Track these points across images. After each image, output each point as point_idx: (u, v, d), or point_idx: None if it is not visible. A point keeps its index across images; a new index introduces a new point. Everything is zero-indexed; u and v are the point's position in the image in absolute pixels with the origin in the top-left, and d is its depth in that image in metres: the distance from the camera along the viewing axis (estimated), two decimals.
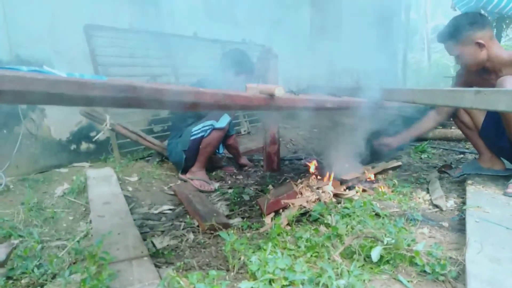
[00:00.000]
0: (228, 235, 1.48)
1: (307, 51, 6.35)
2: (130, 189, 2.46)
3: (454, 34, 2.01)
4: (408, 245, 1.42)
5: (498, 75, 1.97)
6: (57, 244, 1.76)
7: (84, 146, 2.97)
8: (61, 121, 2.83)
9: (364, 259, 1.37)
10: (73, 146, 2.91)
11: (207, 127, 2.65)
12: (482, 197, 1.83)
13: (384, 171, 2.76)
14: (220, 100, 1.09)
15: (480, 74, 2.09)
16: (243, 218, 2.05)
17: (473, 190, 1.97)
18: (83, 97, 0.79)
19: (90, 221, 1.91)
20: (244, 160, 3.19)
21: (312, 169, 2.48)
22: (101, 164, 2.86)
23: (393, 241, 1.33)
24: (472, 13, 2.09)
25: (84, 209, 2.12)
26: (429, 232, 1.66)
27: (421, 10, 16.12)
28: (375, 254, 1.28)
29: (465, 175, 2.36)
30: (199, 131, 2.65)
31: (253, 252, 1.49)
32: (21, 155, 2.60)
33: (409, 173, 2.80)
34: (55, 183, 2.44)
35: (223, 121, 2.66)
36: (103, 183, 2.34)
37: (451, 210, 1.95)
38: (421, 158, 3.27)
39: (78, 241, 1.76)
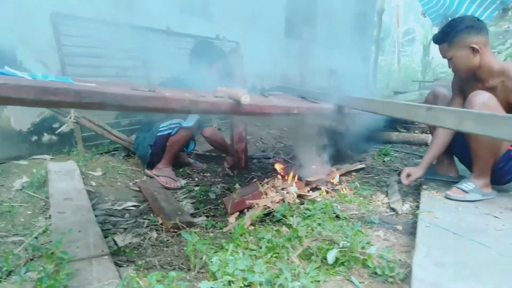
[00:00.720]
0: (191, 235, 1.50)
1: (281, 49, 6.41)
2: (94, 184, 2.42)
3: (450, 36, 2.00)
4: (363, 248, 1.49)
5: (484, 85, 2.01)
6: (14, 240, 1.72)
7: (46, 138, 2.87)
8: (22, 112, 2.73)
9: (321, 260, 1.43)
10: (34, 138, 2.81)
11: (174, 125, 2.62)
12: (435, 203, 1.95)
13: (348, 173, 2.85)
14: (186, 106, 1.10)
15: (471, 81, 2.11)
16: (207, 217, 2.07)
17: (427, 195, 2.08)
18: (46, 102, 0.78)
19: (50, 217, 1.87)
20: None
21: (278, 169, 2.53)
22: (64, 157, 2.78)
23: (348, 244, 1.39)
24: (470, 17, 2.06)
25: (43, 203, 2.07)
26: (384, 235, 1.75)
27: (393, 14, 16.57)
28: (330, 257, 1.34)
29: (422, 179, 2.48)
30: (166, 128, 2.63)
31: (215, 252, 1.51)
32: None
33: (371, 175, 2.91)
34: (14, 175, 2.36)
35: (191, 120, 2.64)
36: (65, 177, 2.28)
37: (406, 213, 2.05)
38: (384, 161, 3.40)
39: (36, 237, 1.72)
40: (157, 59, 3.63)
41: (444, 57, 2.11)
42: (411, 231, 1.77)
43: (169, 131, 2.62)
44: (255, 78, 5.69)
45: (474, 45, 1.95)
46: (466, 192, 2.01)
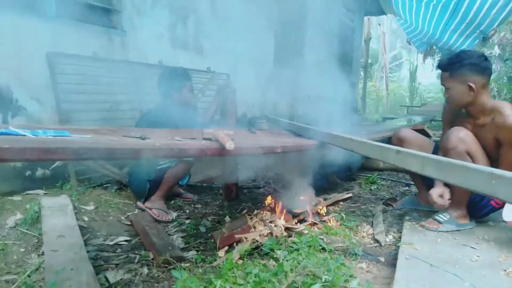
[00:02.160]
0: (180, 272, 1.56)
1: (270, 79, 6.61)
2: (86, 219, 2.47)
3: (453, 67, 2.03)
4: (346, 281, 1.56)
5: (475, 121, 2.09)
6: (7, 279, 1.75)
7: (39, 172, 2.93)
8: None
9: None
10: (28, 173, 2.87)
11: (165, 163, 2.69)
12: (416, 234, 2.03)
13: (336, 202, 2.93)
14: (176, 153, 1.19)
15: (463, 116, 2.18)
16: (197, 251, 2.13)
17: (409, 226, 2.17)
18: (48, 159, 0.87)
19: (43, 253, 1.92)
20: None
21: (267, 202, 2.60)
22: (57, 191, 2.83)
23: (330, 278, 1.46)
24: (479, 54, 2.07)
25: (36, 240, 2.11)
26: (367, 267, 1.82)
27: (380, 41, 17.13)
28: None
29: (406, 208, 2.57)
30: (166, 161, 2.69)
31: None
32: None
33: (358, 205, 3.00)
34: (7, 212, 2.40)
35: None
36: (58, 213, 2.33)
37: (390, 244, 2.13)
38: (370, 190, 3.50)
39: (29, 276, 1.76)
40: (149, 91, 3.76)
41: (442, 84, 2.15)
42: (393, 262, 1.84)
43: (169, 164, 2.68)
44: (246, 106, 5.83)
45: (471, 84, 1.99)
46: (440, 223, 2.12)
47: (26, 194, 2.71)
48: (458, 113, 2.24)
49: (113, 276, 1.79)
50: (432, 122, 8.63)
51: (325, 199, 2.90)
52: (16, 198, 2.62)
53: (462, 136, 2.02)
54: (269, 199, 2.60)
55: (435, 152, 2.39)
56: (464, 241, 1.94)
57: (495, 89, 10.26)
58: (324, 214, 2.61)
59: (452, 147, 2.01)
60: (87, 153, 0.91)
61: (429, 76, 16.45)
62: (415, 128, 4.55)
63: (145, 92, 3.69)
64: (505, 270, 1.60)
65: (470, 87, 2.00)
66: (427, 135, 4.54)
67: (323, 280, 1.45)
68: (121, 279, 1.77)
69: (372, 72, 17.43)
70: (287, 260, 1.78)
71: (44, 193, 2.75)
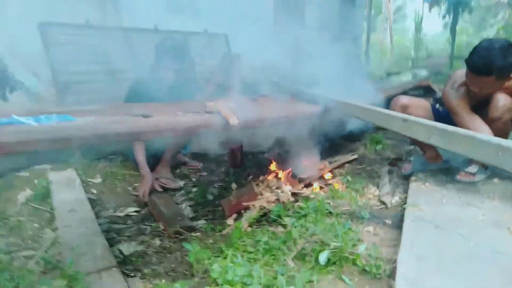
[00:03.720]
0: (191, 244, 1.59)
1: (270, 38, 6.42)
2: (95, 191, 2.51)
3: (501, 71, 1.88)
4: (354, 245, 1.60)
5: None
6: (25, 254, 1.81)
7: None
8: None
9: (315, 260, 1.54)
10: None
11: None
12: (421, 195, 2.05)
13: (341, 164, 2.94)
14: (182, 133, 1.18)
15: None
16: (207, 220, 2.17)
17: (414, 187, 2.18)
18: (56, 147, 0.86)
19: (57, 228, 1.96)
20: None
21: (273, 167, 2.61)
22: (63, 165, 2.85)
23: (339, 244, 1.50)
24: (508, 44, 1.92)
25: (49, 215, 2.16)
26: (373, 230, 1.86)
27: None
28: (322, 258, 1.44)
29: (413, 170, 2.58)
30: None
31: (216, 257, 1.62)
32: None
33: (364, 166, 3.01)
34: (17, 188, 2.44)
35: None
36: (67, 188, 2.37)
37: (396, 205, 2.16)
38: (376, 150, 3.50)
39: (46, 251, 1.82)
40: (144, 58, 3.67)
41: (479, 86, 1.99)
42: (399, 224, 1.87)
43: None
44: (246, 69, 5.71)
45: None
46: (473, 174, 2.19)
47: (33, 169, 2.74)
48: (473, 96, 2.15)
49: (126, 249, 1.84)
50: (438, 75, 8.44)
51: (330, 162, 2.91)
52: (23, 174, 2.65)
53: (510, 105, 2.03)
54: (274, 165, 2.61)
55: (435, 114, 2.37)
56: (469, 199, 1.96)
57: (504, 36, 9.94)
58: (330, 178, 2.63)
59: (498, 116, 2.03)
60: (94, 140, 0.90)
61: (435, 26, 15.90)
62: (420, 84, 4.47)
63: (141, 58, 3.61)
64: (509, 228, 1.62)
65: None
66: (432, 91, 4.47)
67: (331, 247, 1.48)
68: (134, 251, 1.83)
69: (375, 23, 16.85)
70: (295, 227, 1.81)
71: (50, 168, 2.78)
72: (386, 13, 16.38)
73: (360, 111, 1.57)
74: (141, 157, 2.43)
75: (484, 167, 2.22)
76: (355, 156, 3.11)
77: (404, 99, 2.43)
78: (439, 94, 4.55)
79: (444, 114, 2.33)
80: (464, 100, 2.08)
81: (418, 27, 13.71)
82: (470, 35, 14.85)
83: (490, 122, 2.06)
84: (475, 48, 1.96)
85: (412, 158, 2.67)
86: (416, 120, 1.16)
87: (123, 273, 1.58)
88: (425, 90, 4.52)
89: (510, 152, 0.85)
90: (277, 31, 6.57)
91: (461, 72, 2.14)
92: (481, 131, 1.96)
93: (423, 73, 7.27)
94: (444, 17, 13.77)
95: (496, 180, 2.23)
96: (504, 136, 2.16)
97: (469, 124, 2.02)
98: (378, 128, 4.26)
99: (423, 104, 2.46)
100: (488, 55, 1.87)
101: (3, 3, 2.60)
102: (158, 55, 2.67)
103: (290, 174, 2.42)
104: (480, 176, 2.21)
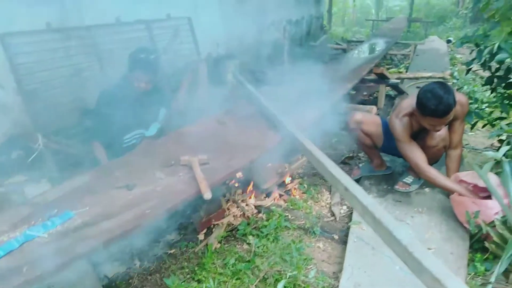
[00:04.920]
0: (170, 278, 1.88)
1: (233, 12, 6.33)
2: None
3: (453, 98, 2.12)
4: (306, 268, 1.96)
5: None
6: None
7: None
8: None
9: (274, 287, 1.88)
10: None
11: (138, 135, 2.80)
12: None
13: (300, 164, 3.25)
14: (164, 206, 1.40)
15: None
16: (180, 234, 2.44)
17: None
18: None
19: None
20: None
21: (237, 182, 2.85)
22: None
23: (294, 273, 1.84)
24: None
25: None
26: (323, 246, 2.23)
27: None
28: (280, 286, 1.78)
29: (362, 176, 2.95)
30: (131, 139, 2.81)
31: (190, 282, 1.92)
32: None
33: None
34: None
35: (153, 129, 2.82)
36: None
37: (343, 216, 2.53)
38: (332, 143, 3.83)
39: None
40: (110, 54, 3.65)
41: (440, 124, 2.22)
42: (345, 239, 2.24)
43: (134, 141, 2.81)
44: (210, 46, 5.71)
45: None
46: (408, 184, 2.62)
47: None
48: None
49: (110, 271, 2.09)
50: (397, 43, 8.75)
51: (289, 163, 3.21)
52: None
53: (445, 136, 2.41)
54: (239, 174, 2.86)
55: (384, 128, 2.68)
56: (402, 215, 2.36)
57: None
58: (289, 182, 2.94)
59: (434, 145, 2.41)
60: (95, 251, 1.11)
61: None
62: (375, 71, 4.76)
63: (105, 55, 3.60)
64: (429, 249, 2.03)
65: None
66: (386, 78, 4.79)
67: (287, 276, 1.82)
68: (117, 273, 2.08)
69: None
70: (258, 247, 2.14)
71: (25, 180, 2.87)
72: None
73: (315, 161, 1.83)
74: (102, 156, 2.60)
75: (417, 177, 2.62)
76: None
77: (359, 116, 2.74)
78: (392, 80, 4.90)
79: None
80: (406, 129, 2.39)
81: None
82: None
83: (426, 148, 2.42)
84: (427, 100, 2.14)
85: (360, 165, 3.03)
86: (354, 194, 1.44)
87: None
88: (379, 77, 4.83)
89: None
90: (239, 3, 6.48)
91: (406, 103, 2.43)
92: (418, 157, 2.33)
93: (381, 43, 7.53)
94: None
95: (427, 189, 2.64)
96: (436, 159, 2.55)
97: (408, 152, 2.38)
98: None
99: (375, 120, 2.78)
100: (445, 99, 2.10)
101: None
102: (130, 66, 2.70)
103: (254, 185, 2.70)
104: (415, 186, 2.63)
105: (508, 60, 2.12)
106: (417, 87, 5.44)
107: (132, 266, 2.14)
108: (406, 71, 6.62)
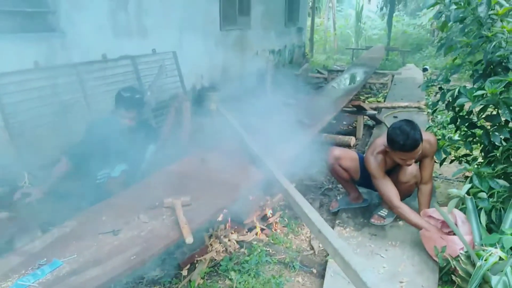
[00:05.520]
0: None
1: (218, 43, 6.56)
2: None
3: (419, 134, 2.32)
4: None
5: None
6: None
7: None
8: None
9: None
10: None
11: (105, 175, 2.81)
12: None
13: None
14: (147, 253, 1.48)
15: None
16: (163, 270, 2.49)
17: (337, 232, 2.67)
18: None
19: None
20: None
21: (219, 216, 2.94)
22: None
23: None
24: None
25: None
26: (302, 280, 2.32)
27: None
28: None
29: (340, 208, 3.07)
30: (101, 177, 2.81)
31: None
32: None
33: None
34: None
35: (117, 170, 2.85)
36: None
37: (322, 249, 2.63)
38: (311, 174, 3.96)
39: None
40: (96, 90, 3.77)
41: (411, 158, 2.39)
42: (323, 273, 2.34)
43: (103, 179, 2.80)
44: (195, 78, 5.88)
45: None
46: (383, 217, 2.75)
47: None
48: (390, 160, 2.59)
49: None
50: (375, 73, 9.11)
51: (271, 196, 3.32)
52: None
53: (416, 173, 2.58)
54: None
55: (361, 163, 2.84)
56: (377, 248, 2.48)
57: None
58: (270, 216, 3.04)
59: (406, 181, 2.58)
60: None
61: (374, 15, 16.68)
62: (353, 104, 4.99)
63: (91, 91, 3.71)
64: (401, 282, 2.15)
65: None
66: (363, 109, 5.01)
67: None
68: None
69: (320, 6, 17.25)
70: (239, 283, 2.21)
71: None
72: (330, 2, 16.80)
73: (292, 201, 1.95)
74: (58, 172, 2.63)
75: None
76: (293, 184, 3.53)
77: (337, 151, 2.91)
78: (369, 112, 5.12)
79: None
80: (381, 165, 2.56)
81: (359, 16, 14.42)
82: (404, 24, 15.86)
83: (399, 183, 2.59)
84: (395, 136, 2.33)
85: (339, 198, 3.17)
86: (326, 236, 1.55)
87: None
88: (358, 108, 5.06)
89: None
90: (223, 36, 6.72)
91: (379, 141, 2.60)
92: (391, 192, 2.49)
93: (360, 73, 7.84)
94: (381, 9, 14.55)
95: (400, 222, 2.78)
96: (409, 193, 2.72)
97: (382, 187, 2.54)
98: None
99: (352, 155, 2.94)
100: (412, 135, 2.30)
101: None
102: (116, 103, 2.84)
103: (235, 220, 2.79)
104: (389, 219, 2.77)
105: (467, 103, 2.32)
106: (394, 117, 5.70)
107: None
108: (384, 100, 6.91)
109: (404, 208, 2.42)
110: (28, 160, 2.97)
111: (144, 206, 2.00)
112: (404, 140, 2.30)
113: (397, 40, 14.13)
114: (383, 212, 2.81)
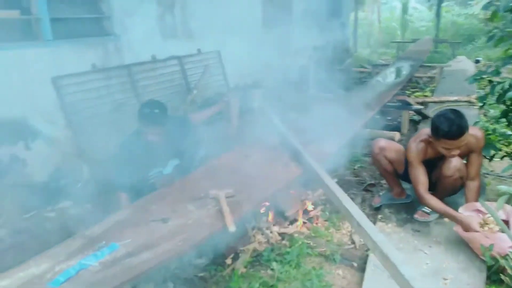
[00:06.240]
0: None
1: (259, 41, 6.65)
2: None
3: (466, 124, 2.27)
4: None
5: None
6: None
7: None
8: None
9: None
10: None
11: (157, 173, 2.83)
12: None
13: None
14: (192, 242, 1.61)
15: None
16: (208, 257, 2.63)
17: (379, 227, 2.66)
18: None
19: None
20: None
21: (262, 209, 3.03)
22: None
23: None
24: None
25: None
26: (342, 273, 2.35)
27: None
28: None
29: (382, 204, 3.05)
30: (153, 176, 2.82)
31: None
32: None
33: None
34: None
35: (169, 167, 2.88)
36: None
37: (363, 244, 2.64)
38: (354, 169, 3.95)
39: None
40: (147, 89, 4.01)
41: (457, 147, 2.31)
42: (363, 266, 2.36)
43: (155, 179, 2.81)
44: (238, 77, 6.01)
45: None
46: (428, 214, 2.70)
47: None
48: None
49: None
50: (422, 66, 8.78)
51: (312, 190, 3.36)
52: None
53: (460, 167, 2.50)
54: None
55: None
56: (420, 245, 2.45)
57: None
58: (312, 209, 3.08)
59: (450, 174, 2.50)
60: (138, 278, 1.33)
61: (421, 7, 15.96)
62: (398, 98, 4.88)
63: (142, 90, 3.95)
64: (445, 279, 2.12)
65: None
66: (409, 104, 4.89)
67: None
68: None
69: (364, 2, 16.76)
70: (281, 273, 2.30)
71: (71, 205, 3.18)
72: None
73: (332, 195, 2.00)
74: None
75: None
76: (335, 180, 3.54)
77: (382, 143, 2.90)
78: (414, 107, 4.98)
79: None
80: (420, 153, 2.53)
81: (405, 8, 13.87)
82: (454, 14, 15.01)
83: (443, 178, 2.53)
84: (440, 123, 2.29)
85: (381, 193, 3.15)
86: (365, 229, 1.58)
87: None
88: (402, 103, 4.94)
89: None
90: (265, 34, 6.80)
91: (425, 130, 2.57)
92: (420, 181, 2.50)
93: (406, 67, 7.60)
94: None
95: (446, 219, 2.71)
96: (454, 189, 2.65)
97: (414, 173, 2.54)
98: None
99: (398, 147, 2.92)
100: (457, 121, 2.25)
101: (17, 61, 2.88)
102: (138, 119, 2.72)
103: (277, 212, 2.87)
104: (434, 216, 2.70)
105: None
106: None
107: None
108: (432, 95, 6.65)
109: (430, 200, 2.40)
110: (88, 155, 3.23)
111: (191, 197, 2.13)
112: (449, 126, 2.24)
113: (446, 31, 13.43)
114: (427, 208, 2.75)
